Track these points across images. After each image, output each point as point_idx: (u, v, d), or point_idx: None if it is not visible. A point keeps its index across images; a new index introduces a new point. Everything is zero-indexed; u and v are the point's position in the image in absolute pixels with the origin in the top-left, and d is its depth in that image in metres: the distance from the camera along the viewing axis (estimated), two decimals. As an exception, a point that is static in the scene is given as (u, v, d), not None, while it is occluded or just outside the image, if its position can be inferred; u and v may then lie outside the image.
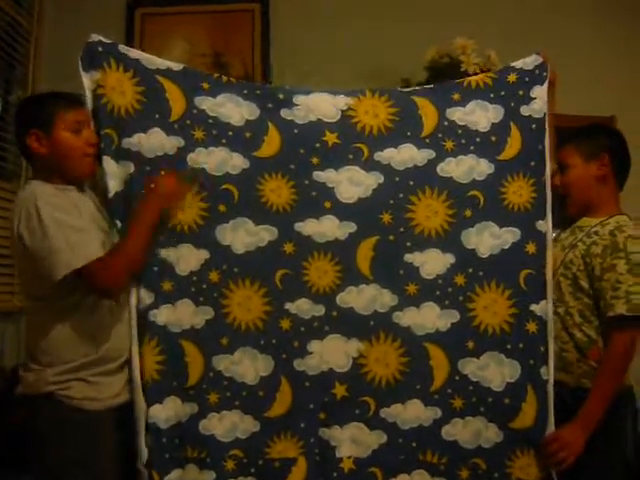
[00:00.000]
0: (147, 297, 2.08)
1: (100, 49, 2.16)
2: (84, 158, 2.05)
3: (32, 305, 2.03)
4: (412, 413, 2.18)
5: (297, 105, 2.27)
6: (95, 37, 2.18)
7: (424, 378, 2.20)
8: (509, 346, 2.21)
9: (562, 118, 3.23)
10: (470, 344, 2.21)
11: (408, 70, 3.34)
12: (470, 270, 2.24)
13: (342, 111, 2.29)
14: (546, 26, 3.65)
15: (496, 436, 2.19)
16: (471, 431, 2.19)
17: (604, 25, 3.74)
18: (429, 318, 2.21)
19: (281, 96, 2.28)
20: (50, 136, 1.98)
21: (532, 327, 2.22)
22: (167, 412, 2.06)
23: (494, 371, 2.20)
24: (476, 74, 3.05)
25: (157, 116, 2.15)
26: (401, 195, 2.26)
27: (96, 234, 1.99)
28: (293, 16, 3.69)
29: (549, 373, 2.19)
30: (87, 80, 2.14)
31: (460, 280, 2.24)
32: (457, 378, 2.20)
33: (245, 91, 2.27)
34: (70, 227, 1.91)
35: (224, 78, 2.29)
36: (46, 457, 1.94)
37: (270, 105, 2.26)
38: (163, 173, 2.12)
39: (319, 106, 2.28)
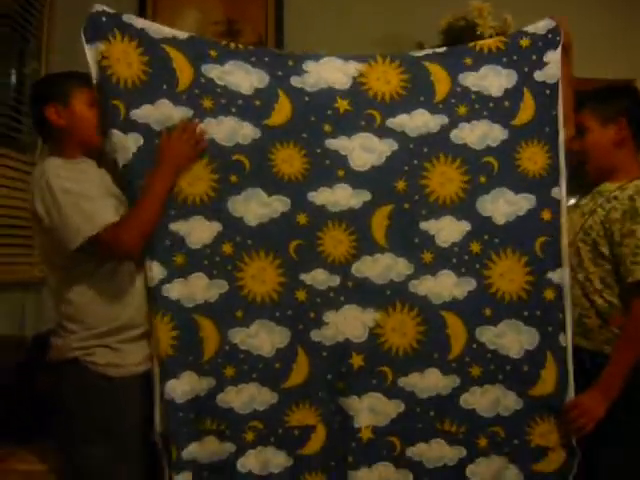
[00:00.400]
0: (159, 272, 2.08)
1: (104, 19, 2.13)
2: (95, 128, 2.10)
3: (54, 275, 2.07)
4: (430, 382, 2.18)
5: (307, 72, 2.24)
6: (98, 7, 2.15)
7: (441, 347, 2.19)
8: (526, 313, 2.20)
9: (580, 82, 3.22)
10: (487, 312, 2.20)
11: (423, 35, 3.30)
12: (486, 237, 2.23)
13: (353, 78, 2.26)
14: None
15: (515, 404, 2.19)
16: (489, 399, 2.18)
17: None
18: (445, 286, 2.20)
19: (291, 63, 2.25)
20: (68, 108, 2.06)
21: (549, 294, 2.20)
22: (183, 387, 2.07)
23: (512, 339, 2.19)
24: (491, 37, 3.03)
25: (164, 87, 2.13)
26: (415, 162, 2.23)
27: (109, 201, 2.02)
28: (306, -18, 3.63)
29: (567, 340, 2.18)
30: (91, 52, 2.11)
31: (476, 248, 2.22)
32: (475, 346, 2.19)
33: (253, 58, 2.23)
34: (82, 196, 1.95)
35: (232, 45, 2.26)
36: (71, 423, 2.00)
37: (280, 72, 2.23)
38: (168, 134, 2.12)
39: (330, 73, 2.25)
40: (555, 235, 2.23)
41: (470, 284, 2.21)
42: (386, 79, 2.26)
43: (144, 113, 2.10)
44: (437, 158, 2.24)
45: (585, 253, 2.23)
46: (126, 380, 2.02)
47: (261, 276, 2.15)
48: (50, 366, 2.04)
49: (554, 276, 2.21)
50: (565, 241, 2.23)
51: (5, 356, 2.66)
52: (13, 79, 3.50)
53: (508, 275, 2.21)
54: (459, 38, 3.17)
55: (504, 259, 2.22)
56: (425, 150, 2.24)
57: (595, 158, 2.31)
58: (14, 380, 2.57)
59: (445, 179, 2.23)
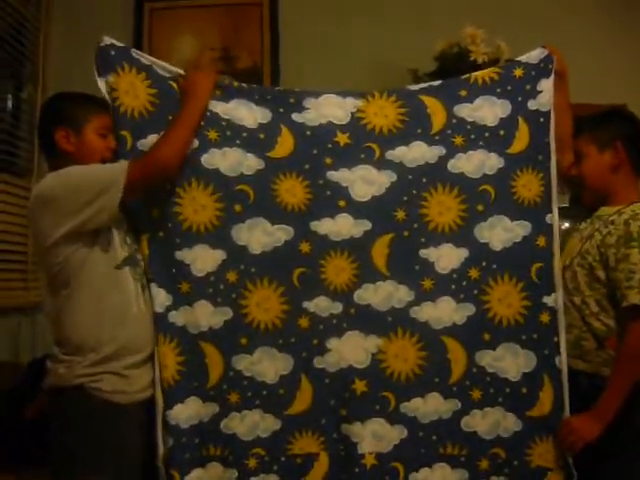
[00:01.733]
0: (165, 299, 2.11)
1: (112, 52, 2.17)
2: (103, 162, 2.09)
3: (54, 298, 2.03)
4: (432, 406, 2.21)
5: (307, 108, 2.29)
6: (107, 40, 2.19)
7: (443, 371, 2.23)
8: (524, 337, 2.25)
9: (573, 107, 3.28)
10: (486, 336, 2.24)
11: (417, 61, 3.33)
12: (484, 263, 2.27)
13: (352, 113, 2.31)
14: (554, 14, 3.65)
15: (515, 425, 2.23)
16: (490, 421, 2.22)
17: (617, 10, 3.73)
18: (445, 312, 2.24)
19: (292, 100, 2.29)
20: (79, 135, 2.04)
21: (545, 318, 2.25)
22: (188, 412, 2.09)
23: (510, 362, 2.24)
24: (485, 63, 3.09)
25: (170, 118, 2.16)
26: (414, 192, 2.27)
27: None
28: (301, 8, 3.68)
29: (563, 362, 2.23)
30: (102, 84, 2.15)
31: (474, 274, 2.26)
32: (474, 370, 2.23)
33: (256, 96, 2.28)
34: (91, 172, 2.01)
35: (235, 84, 2.29)
36: (74, 450, 1.95)
37: (281, 109, 2.27)
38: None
39: (329, 109, 2.30)
40: (549, 261, 2.27)
41: (469, 309, 2.25)
42: (384, 113, 2.31)
43: (150, 142, 2.12)
44: (435, 188, 2.28)
45: (582, 277, 2.27)
46: (131, 406, 2.01)
47: (265, 304, 2.18)
48: (49, 393, 2.02)
49: (549, 300, 2.25)
50: (558, 265, 2.28)
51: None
52: (9, 104, 3.52)
53: (506, 300, 2.26)
54: (453, 65, 3.23)
55: (501, 284, 2.26)
56: (424, 180, 2.28)
57: (592, 182, 2.35)
58: (4, 407, 2.57)
59: (443, 208, 2.27)
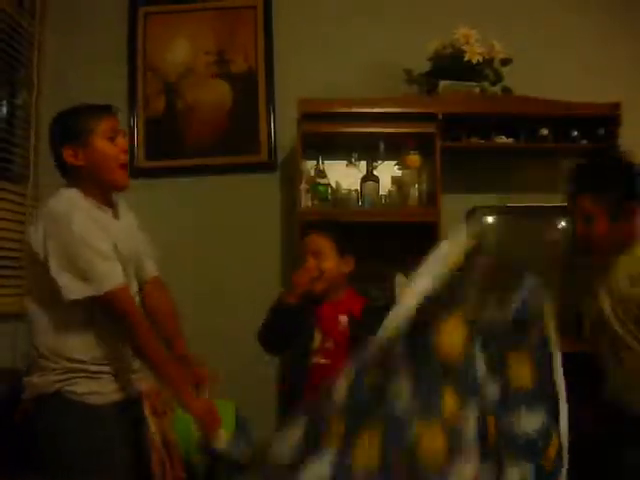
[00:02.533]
0: None
1: None
2: (119, 168, 2.07)
3: (37, 309, 2.03)
4: None
5: None
6: None
7: None
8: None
9: (568, 105, 3.28)
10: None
11: (411, 61, 3.36)
12: None
13: None
14: (548, 13, 3.64)
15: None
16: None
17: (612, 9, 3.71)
18: None
19: None
20: (86, 148, 2.02)
21: None
22: None
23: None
24: (479, 63, 3.08)
25: None
26: None
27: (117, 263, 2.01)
28: (296, 11, 3.66)
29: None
30: None
31: None
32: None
33: None
34: (98, 253, 1.94)
35: None
36: (56, 453, 1.97)
37: None
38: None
39: None
40: None
41: None
42: None
43: None
44: None
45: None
46: (106, 407, 2.01)
47: None
48: (29, 402, 2.03)
49: None
50: None
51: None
52: (4, 110, 3.51)
53: None
54: (447, 64, 3.23)
55: None
56: None
57: (606, 247, 2.31)
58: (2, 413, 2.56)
59: None
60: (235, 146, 3.66)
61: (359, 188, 3.39)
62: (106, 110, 2.09)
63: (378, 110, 3.25)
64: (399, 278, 3.31)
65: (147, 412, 2.85)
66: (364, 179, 3.39)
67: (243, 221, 3.64)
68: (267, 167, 3.67)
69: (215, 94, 3.67)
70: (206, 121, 3.67)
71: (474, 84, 3.33)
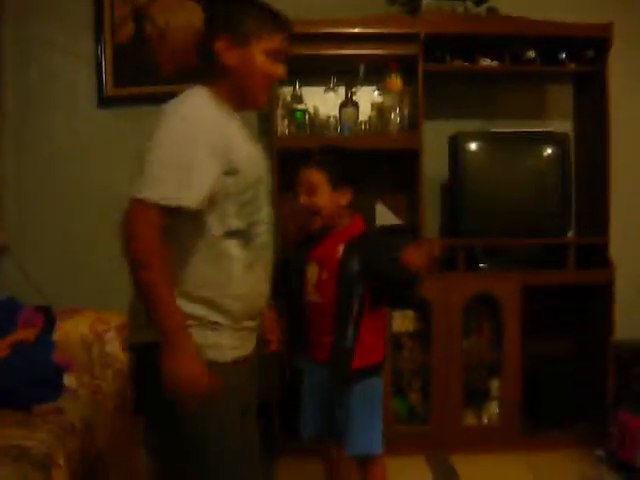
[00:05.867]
0: None
1: None
2: (267, 89, 1.83)
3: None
4: None
5: None
6: None
7: None
8: None
9: (557, 26, 3.15)
10: None
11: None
12: None
13: None
14: None
15: None
16: None
17: None
18: None
19: None
20: (245, 52, 1.75)
21: None
22: None
23: None
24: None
25: None
26: None
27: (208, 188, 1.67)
28: None
29: None
30: None
31: None
32: None
33: None
34: (195, 160, 1.63)
35: None
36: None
37: None
38: None
39: None
40: None
41: None
42: None
43: None
44: None
45: None
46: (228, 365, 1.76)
47: None
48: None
49: None
50: None
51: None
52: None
53: None
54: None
55: None
56: None
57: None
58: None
59: None
60: (208, 71, 3.48)
61: (338, 114, 3.28)
62: (284, 27, 1.80)
63: (358, 31, 3.10)
64: (380, 207, 3.23)
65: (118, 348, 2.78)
66: (343, 105, 3.27)
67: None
68: (242, 93, 3.50)
69: (186, 17, 3.51)
70: (177, 46, 3.51)
71: (458, 2, 3.18)
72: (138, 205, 1.59)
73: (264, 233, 1.80)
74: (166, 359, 1.61)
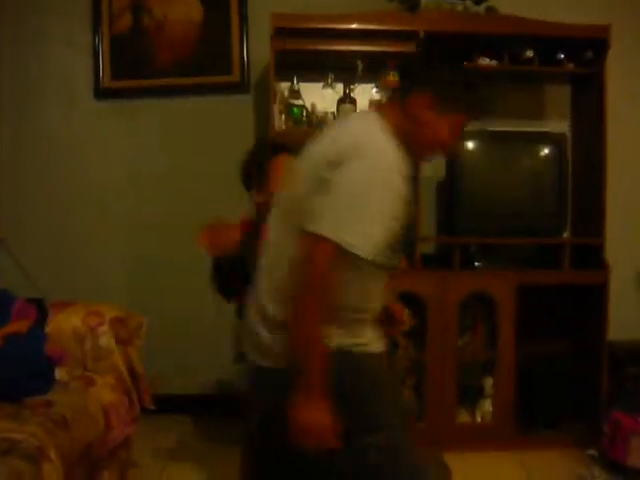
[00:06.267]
0: None
1: None
2: (433, 154, 1.87)
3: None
4: None
5: None
6: None
7: None
8: None
9: (556, 26, 3.14)
10: None
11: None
12: None
13: None
14: None
15: None
16: None
17: None
18: None
19: None
20: (437, 114, 1.74)
21: None
22: None
23: None
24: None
25: None
26: None
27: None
28: None
29: None
30: None
31: None
32: None
33: None
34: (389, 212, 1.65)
35: None
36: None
37: None
38: None
39: None
40: None
41: None
42: None
43: None
44: None
45: None
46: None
47: None
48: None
49: None
50: None
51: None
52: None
53: None
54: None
55: None
56: None
57: None
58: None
59: None
60: (206, 65, 3.52)
61: (335, 110, 3.26)
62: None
63: (357, 27, 3.09)
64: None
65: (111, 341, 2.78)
66: (341, 101, 3.26)
67: (214, 145, 3.53)
68: (239, 88, 3.53)
69: (184, 9, 3.51)
70: (175, 39, 3.51)
71: (458, 1, 3.17)
72: (324, 243, 1.59)
73: None
74: (298, 405, 1.59)
